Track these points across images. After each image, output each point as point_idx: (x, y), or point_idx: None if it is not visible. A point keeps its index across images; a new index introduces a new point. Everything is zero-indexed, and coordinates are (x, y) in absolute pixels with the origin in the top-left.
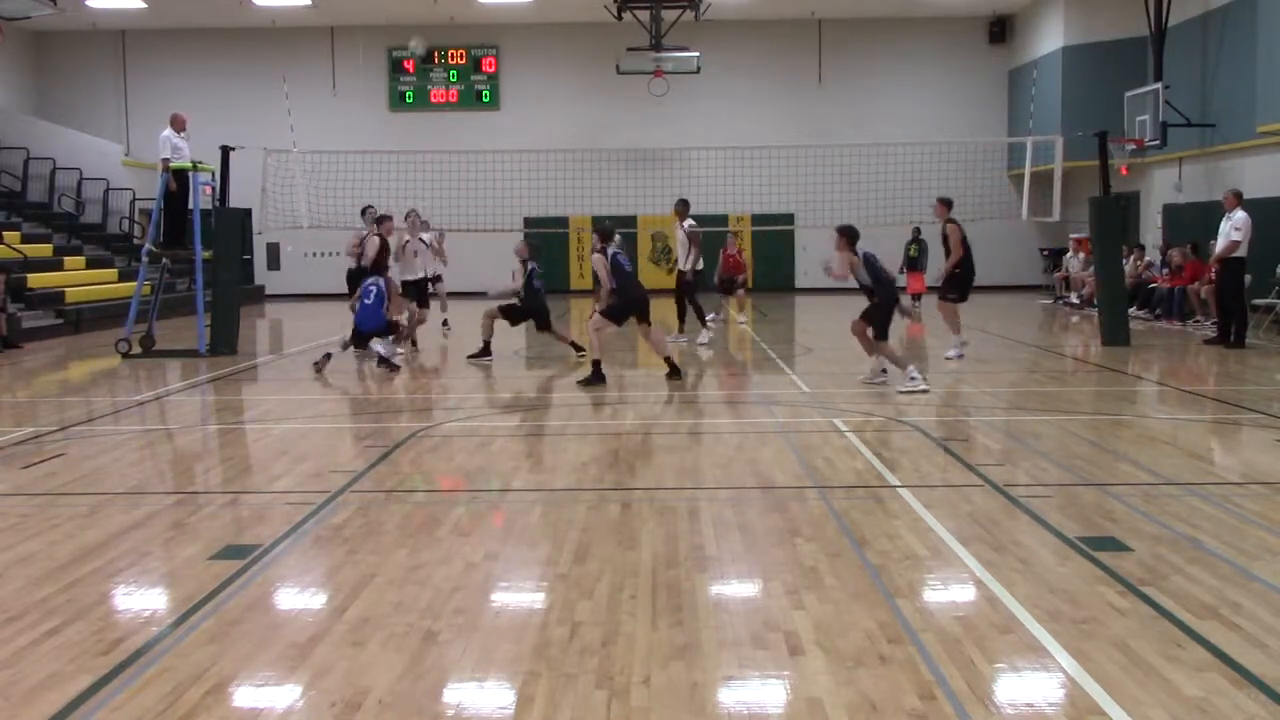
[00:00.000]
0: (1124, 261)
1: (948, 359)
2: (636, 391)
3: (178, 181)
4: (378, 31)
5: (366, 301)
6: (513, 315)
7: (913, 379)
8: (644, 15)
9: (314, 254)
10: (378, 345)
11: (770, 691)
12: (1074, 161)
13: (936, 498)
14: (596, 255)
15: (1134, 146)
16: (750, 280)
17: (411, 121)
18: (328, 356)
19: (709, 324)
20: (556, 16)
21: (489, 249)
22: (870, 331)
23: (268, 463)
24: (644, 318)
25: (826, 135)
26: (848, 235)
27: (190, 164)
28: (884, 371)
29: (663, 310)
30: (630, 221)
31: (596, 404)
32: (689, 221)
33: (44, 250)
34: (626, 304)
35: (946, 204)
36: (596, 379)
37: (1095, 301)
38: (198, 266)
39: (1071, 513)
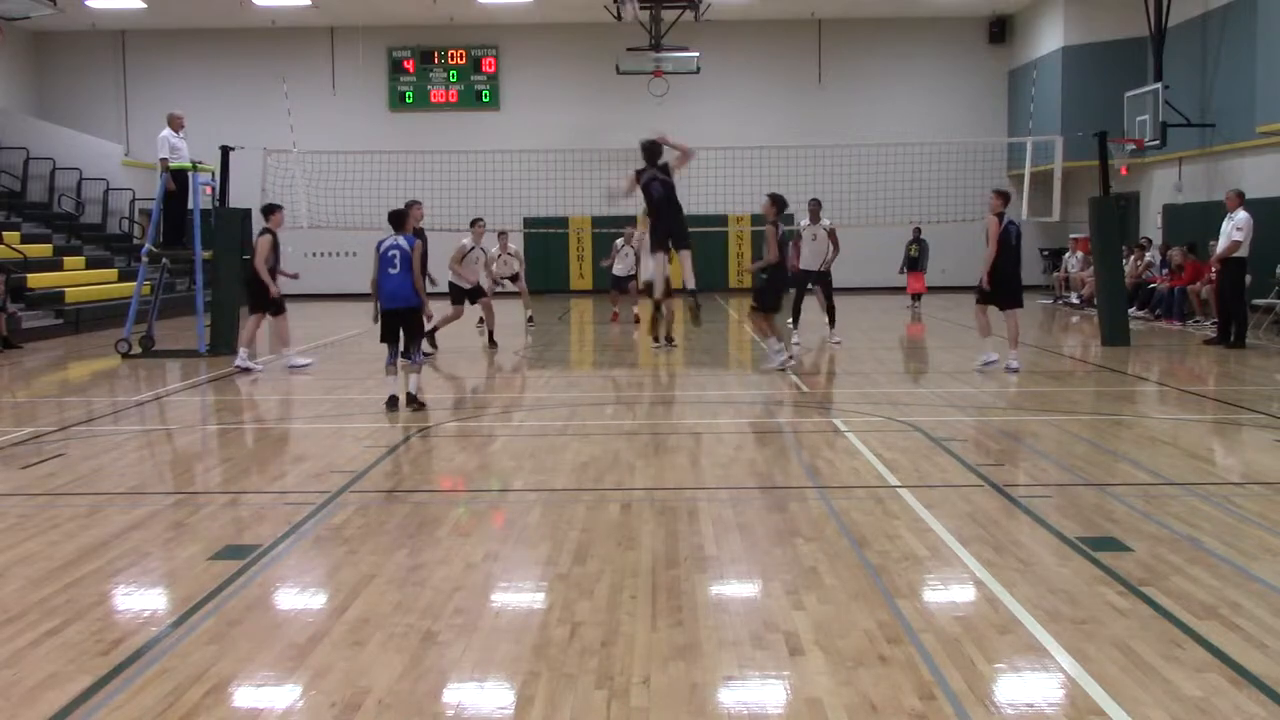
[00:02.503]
0: (1124, 261)
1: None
2: (636, 392)
3: (177, 182)
4: (378, 31)
5: (391, 271)
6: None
7: (778, 355)
8: (644, 15)
9: (314, 254)
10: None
11: (770, 691)
12: (1074, 161)
13: (936, 498)
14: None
15: (1134, 146)
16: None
17: (411, 121)
18: (415, 400)
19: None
20: (556, 16)
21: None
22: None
23: (268, 463)
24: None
25: (826, 135)
26: (776, 202)
27: (190, 164)
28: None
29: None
30: (630, 221)
31: (596, 404)
32: (826, 220)
33: (44, 250)
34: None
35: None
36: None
37: (1095, 301)
38: (198, 266)
39: (1071, 513)
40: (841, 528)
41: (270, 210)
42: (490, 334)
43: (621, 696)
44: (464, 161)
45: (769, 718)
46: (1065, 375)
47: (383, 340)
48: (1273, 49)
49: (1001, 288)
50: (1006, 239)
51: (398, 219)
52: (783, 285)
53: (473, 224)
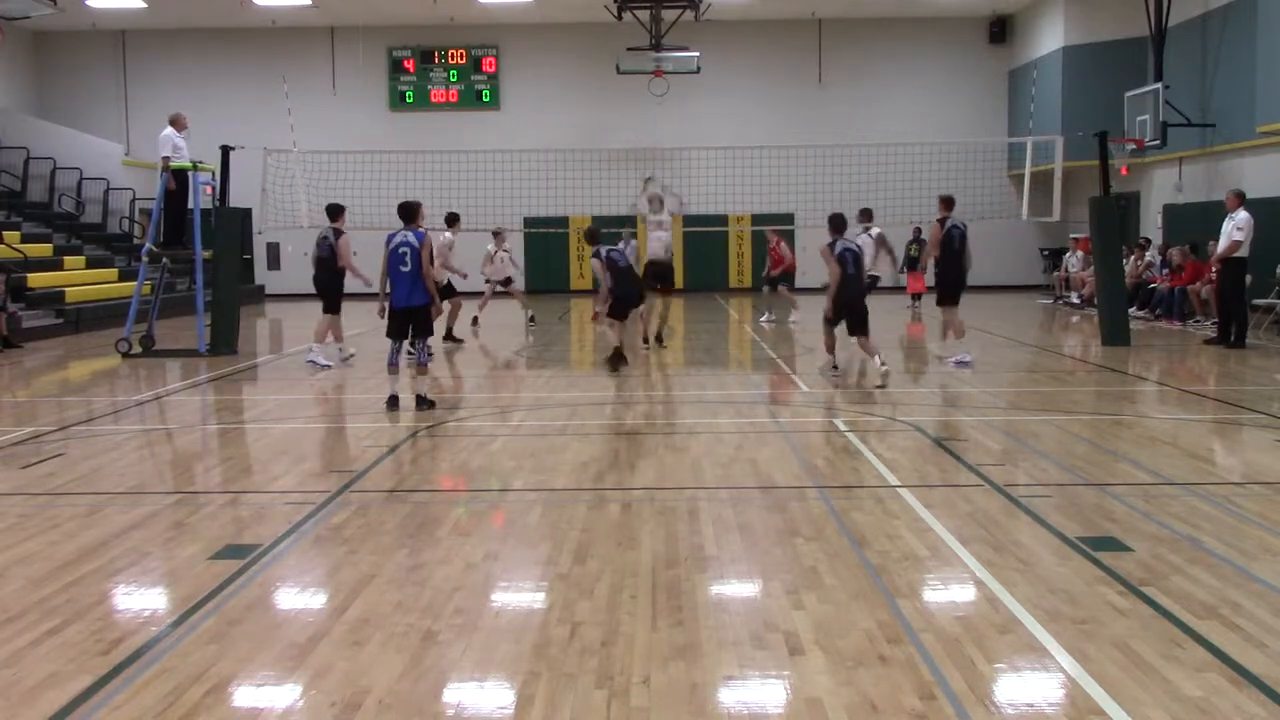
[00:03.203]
0: (1124, 261)
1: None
2: (636, 391)
3: (177, 181)
4: (378, 31)
5: (402, 269)
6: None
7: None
8: (644, 15)
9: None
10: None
11: (770, 691)
12: (1074, 161)
13: (936, 498)
14: (594, 259)
15: (1134, 146)
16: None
17: (411, 121)
18: (422, 400)
19: (765, 323)
20: (556, 16)
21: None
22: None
23: (268, 463)
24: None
25: (826, 135)
26: (832, 223)
27: (190, 164)
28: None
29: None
30: (630, 221)
31: (596, 404)
32: (875, 229)
33: (44, 250)
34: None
35: None
36: (619, 361)
37: (1095, 301)
38: (198, 266)
39: (1071, 513)
40: (841, 528)
41: (338, 211)
42: (450, 329)
43: (621, 696)
44: (464, 161)
45: (769, 718)
46: (1065, 375)
47: (389, 335)
48: (1273, 49)
49: (940, 285)
50: (949, 242)
51: (409, 211)
52: (840, 303)
53: (453, 221)
